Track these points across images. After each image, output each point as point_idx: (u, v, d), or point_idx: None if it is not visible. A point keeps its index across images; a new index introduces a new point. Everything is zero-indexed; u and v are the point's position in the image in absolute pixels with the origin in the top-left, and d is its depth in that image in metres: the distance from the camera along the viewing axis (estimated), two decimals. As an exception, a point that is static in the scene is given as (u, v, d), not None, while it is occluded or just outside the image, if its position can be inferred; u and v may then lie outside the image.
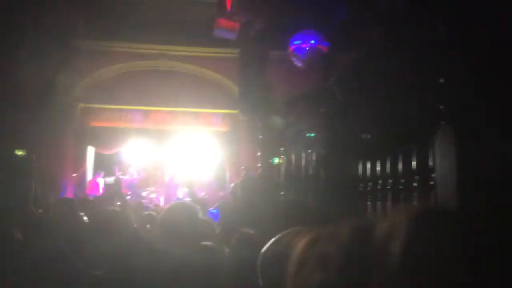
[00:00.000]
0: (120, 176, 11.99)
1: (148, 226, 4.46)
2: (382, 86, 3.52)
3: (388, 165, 3.61)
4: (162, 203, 11.61)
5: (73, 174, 10.78)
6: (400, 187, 3.43)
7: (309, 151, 5.22)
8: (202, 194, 11.78)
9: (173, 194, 11.63)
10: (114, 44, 10.81)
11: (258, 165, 6.26)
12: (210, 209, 8.07)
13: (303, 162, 5.42)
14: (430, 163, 3.06)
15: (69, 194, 10.22)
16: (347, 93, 4.15)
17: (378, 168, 3.72)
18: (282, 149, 6.01)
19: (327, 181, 4.79)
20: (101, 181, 11.53)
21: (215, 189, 12.33)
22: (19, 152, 10.62)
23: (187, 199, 11.20)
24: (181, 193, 12.01)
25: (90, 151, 11.67)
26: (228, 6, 8.62)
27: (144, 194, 12.01)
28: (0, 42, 9.41)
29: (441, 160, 2.94)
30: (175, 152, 12.06)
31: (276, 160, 6.42)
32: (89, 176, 11.66)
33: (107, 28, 10.28)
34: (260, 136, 6.35)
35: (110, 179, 11.69)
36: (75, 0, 10.19)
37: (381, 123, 3.63)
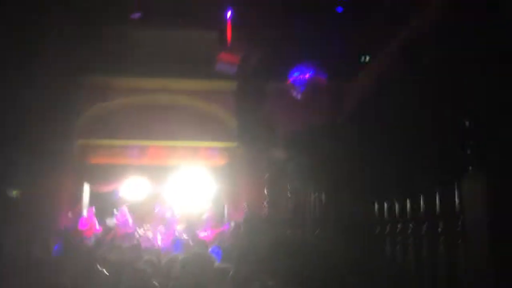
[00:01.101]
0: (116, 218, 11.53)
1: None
2: (399, 122, 3.35)
3: (408, 206, 3.40)
4: (159, 241, 11.27)
5: (69, 212, 10.46)
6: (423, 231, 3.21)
7: (318, 189, 5.00)
8: (203, 232, 11.48)
9: (171, 232, 11.31)
10: (113, 79, 10.68)
11: (264, 202, 6.04)
12: (211, 246, 7.80)
13: (311, 200, 5.19)
14: (457, 206, 2.86)
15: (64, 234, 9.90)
16: (361, 129, 3.97)
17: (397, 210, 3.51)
18: (288, 186, 5.79)
19: (337, 222, 4.56)
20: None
21: (213, 225, 12.05)
22: (13, 193, 10.31)
23: (185, 237, 10.88)
24: (178, 230, 11.74)
25: (85, 188, 11.41)
26: (228, 40, 8.59)
27: (140, 232, 11.66)
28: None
29: (470, 204, 2.74)
30: (173, 188, 11.81)
31: (281, 196, 6.18)
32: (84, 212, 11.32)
33: (106, 63, 10.16)
34: (267, 174, 6.14)
35: (111, 222, 11.25)
36: (74, 36, 10.14)
37: (399, 162, 3.44)
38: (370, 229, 3.97)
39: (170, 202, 12.14)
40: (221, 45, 8.72)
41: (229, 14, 9.00)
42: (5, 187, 10.03)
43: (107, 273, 3.64)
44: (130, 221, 11.32)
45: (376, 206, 3.84)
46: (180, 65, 10.20)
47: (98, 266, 3.68)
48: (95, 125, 10.92)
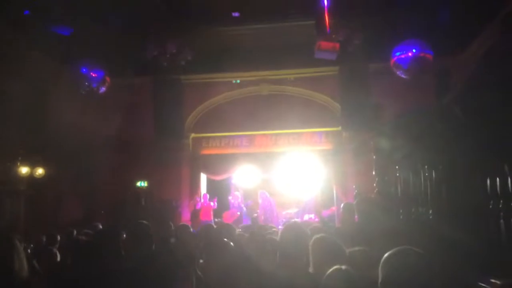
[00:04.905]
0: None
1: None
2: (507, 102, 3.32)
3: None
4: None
5: (189, 200, 11.45)
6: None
7: (428, 170, 5.04)
8: (308, 215, 11.86)
9: (270, 216, 11.91)
10: (216, 75, 11.44)
11: (374, 185, 6.15)
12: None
13: (421, 182, 5.24)
14: None
15: (186, 219, 10.87)
16: (468, 111, 3.95)
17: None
18: (397, 167, 5.85)
19: (450, 200, 4.58)
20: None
21: (318, 209, 12.38)
22: (140, 183, 11.58)
23: (296, 220, 11.29)
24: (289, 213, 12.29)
25: (203, 178, 12.33)
26: (327, 27, 8.63)
27: (254, 215, 12.33)
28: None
29: None
30: (281, 173, 12.24)
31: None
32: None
33: (208, 61, 10.92)
34: (374, 157, 6.24)
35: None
36: (180, 41, 11.06)
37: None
38: (484, 205, 3.97)
39: (279, 187, 12.70)
40: (320, 33, 8.78)
41: (325, 0, 9.03)
42: (135, 179, 11.36)
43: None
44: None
45: (489, 182, 3.84)
46: (278, 55, 10.55)
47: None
48: (204, 119, 11.78)
